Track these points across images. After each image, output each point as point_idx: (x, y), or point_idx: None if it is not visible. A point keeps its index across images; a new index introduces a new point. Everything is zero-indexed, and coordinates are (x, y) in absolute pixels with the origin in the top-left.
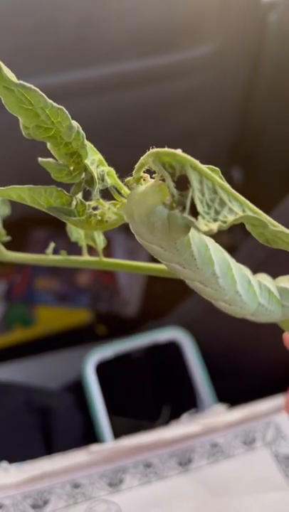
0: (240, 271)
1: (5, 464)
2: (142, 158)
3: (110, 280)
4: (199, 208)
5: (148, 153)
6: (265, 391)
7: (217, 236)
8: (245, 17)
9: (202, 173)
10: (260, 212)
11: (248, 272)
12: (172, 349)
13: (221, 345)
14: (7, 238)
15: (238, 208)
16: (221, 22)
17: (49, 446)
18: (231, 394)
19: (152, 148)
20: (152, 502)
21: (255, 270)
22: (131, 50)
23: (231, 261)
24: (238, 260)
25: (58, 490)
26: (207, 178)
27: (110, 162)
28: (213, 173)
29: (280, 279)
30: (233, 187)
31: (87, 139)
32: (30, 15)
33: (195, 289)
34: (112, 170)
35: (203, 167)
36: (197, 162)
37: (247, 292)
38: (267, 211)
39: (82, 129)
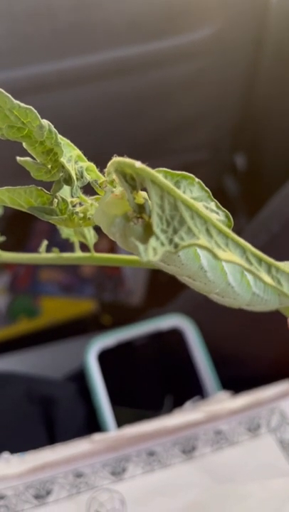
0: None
1: (6, 454)
2: (108, 166)
3: (114, 270)
4: (156, 225)
5: (110, 162)
6: (270, 377)
7: None
8: None
9: (163, 187)
10: (225, 229)
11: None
12: (175, 336)
13: (224, 332)
14: (2, 238)
15: (201, 226)
16: (222, 3)
17: (51, 436)
18: (235, 381)
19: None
20: (156, 490)
21: None
22: (129, 35)
23: None
24: None
25: (61, 480)
26: (169, 193)
27: (110, 150)
28: (187, 180)
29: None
30: (236, 173)
31: (87, 126)
32: (23, 0)
33: (184, 282)
34: (91, 165)
35: (165, 181)
36: (158, 176)
37: (240, 283)
38: (270, 196)
39: (83, 117)
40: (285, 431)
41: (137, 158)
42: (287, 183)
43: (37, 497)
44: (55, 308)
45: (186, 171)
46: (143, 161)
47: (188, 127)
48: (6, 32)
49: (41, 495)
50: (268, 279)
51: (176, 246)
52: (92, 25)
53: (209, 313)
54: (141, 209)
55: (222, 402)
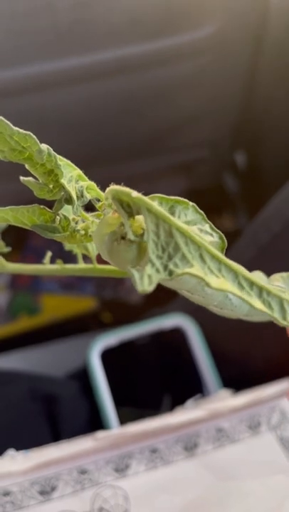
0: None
1: (12, 451)
2: (105, 192)
3: None
4: (152, 251)
5: (108, 190)
6: (270, 376)
7: (220, 221)
8: None
9: (159, 215)
10: (218, 255)
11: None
12: (177, 335)
13: (226, 331)
14: (7, 249)
15: (195, 252)
16: (222, 2)
17: (55, 434)
18: (236, 379)
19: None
20: (158, 487)
21: (258, 253)
22: (130, 33)
23: None
24: (242, 244)
25: (65, 476)
26: (164, 220)
27: (111, 147)
28: (182, 205)
29: (273, 278)
30: (236, 171)
31: (87, 124)
32: None
33: (183, 294)
34: (92, 184)
35: (160, 209)
36: (153, 204)
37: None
38: (271, 196)
39: (83, 115)
40: (286, 429)
41: (137, 156)
42: (288, 182)
43: (42, 493)
44: (56, 306)
45: (186, 168)
46: (143, 159)
47: (189, 125)
48: (7, 30)
49: (46, 491)
50: (259, 304)
51: (170, 273)
52: (93, 24)
53: (211, 313)
54: (128, 233)
55: (223, 400)
